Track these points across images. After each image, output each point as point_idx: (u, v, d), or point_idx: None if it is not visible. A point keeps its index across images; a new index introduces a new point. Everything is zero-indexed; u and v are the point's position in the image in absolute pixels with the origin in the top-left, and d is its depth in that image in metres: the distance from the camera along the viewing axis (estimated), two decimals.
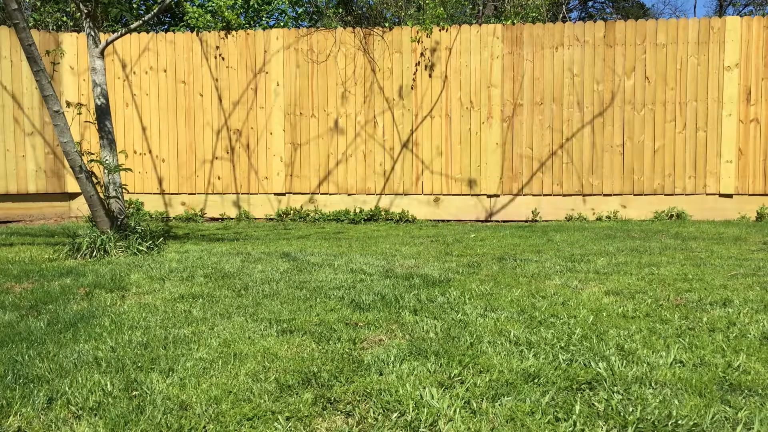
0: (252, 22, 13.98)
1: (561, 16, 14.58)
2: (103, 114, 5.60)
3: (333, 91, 8.76)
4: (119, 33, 5.78)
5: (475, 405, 1.96)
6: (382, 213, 8.65)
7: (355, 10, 15.15)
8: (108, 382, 2.17)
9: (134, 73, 9.02)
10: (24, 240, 6.22)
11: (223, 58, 8.89)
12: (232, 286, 3.74)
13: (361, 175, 8.74)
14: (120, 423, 1.88)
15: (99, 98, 5.61)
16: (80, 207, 8.75)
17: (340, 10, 14.12)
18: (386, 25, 9.68)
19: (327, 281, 3.82)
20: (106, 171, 5.51)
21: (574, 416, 1.87)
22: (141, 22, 5.83)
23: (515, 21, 10.68)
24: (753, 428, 1.80)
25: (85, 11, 5.58)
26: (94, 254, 4.92)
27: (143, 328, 2.87)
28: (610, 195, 8.33)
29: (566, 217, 8.42)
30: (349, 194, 8.78)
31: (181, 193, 9.02)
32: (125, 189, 5.78)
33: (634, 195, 8.30)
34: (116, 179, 5.53)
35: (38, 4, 12.72)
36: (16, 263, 4.64)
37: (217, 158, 8.94)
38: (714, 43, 8.10)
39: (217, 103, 8.92)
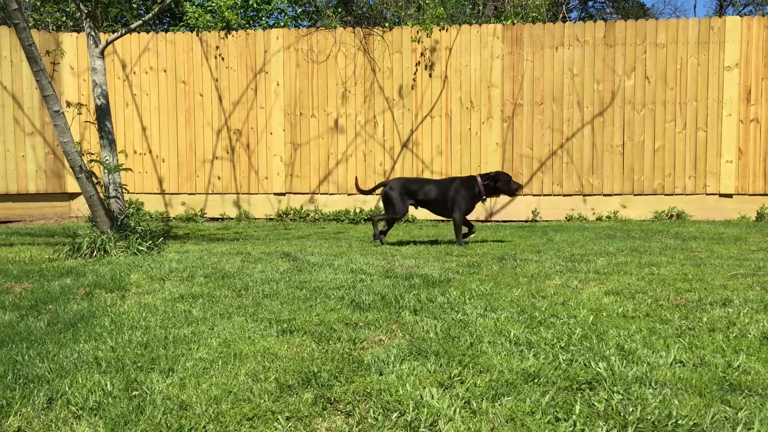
0: (251, 22, 13.98)
1: (561, 16, 14.58)
2: (103, 114, 5.60)
3: (333, 91, 8.76)
4: (119, 33, 5.78)
5: (475, 405, 1.96)
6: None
7: (355, 10, 15.15)
8: (108, 382, 2.17)
9: (134, 73, 9.02)
10: (24, 240, 6.22)
11: (223, 58, 8.89)
12: (232, 286, 3.74)
13: (361, 175, 8.74)
14: (120, 423, 1.88)
15: (99, 98, 5.61)
16: (80, 207, 8.75)
17: (340, 10, 14.12)
18: (386, 25, 9.68)
19: (327, 281, 3.82)
20: (106, 171, 5.50)
21: (574, 416, 1.86)
22: (141, 22, 5.83)
23: (515, 21, 10.68)
24: (753, 428, 1.80)
25: (85, 11, 5.58)
26: (94, 254, 4.91)
27: (143, 328, 2.86)
28: (610, 195, 8.33)
29: (566, 217, 8.42)
30: (349, 194, 8.78)
31: (181, 193, 9.02)
32: (125, 189, 5.78)
33: (634, 195, 8.30)
34: (116, 179, 5.53)
35: (38, 4, 12.72)
36: (17, 263, 4.64)
37: (217, 158, 8.94)
38: (714, 43, 8.10)
39: (217, 103, 8.92)
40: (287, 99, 8.80)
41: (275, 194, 8.90)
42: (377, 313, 3.03)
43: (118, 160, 5.65)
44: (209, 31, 9.00)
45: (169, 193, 9.04)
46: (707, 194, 8.19)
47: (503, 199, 8.53)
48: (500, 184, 5.54)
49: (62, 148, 5.06)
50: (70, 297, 3.52)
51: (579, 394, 2.02)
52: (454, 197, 5.54)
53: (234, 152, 8.92)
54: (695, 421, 1.83)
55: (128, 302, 3.41)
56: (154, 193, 9.05)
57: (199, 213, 8.93)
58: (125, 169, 5.62)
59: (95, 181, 5.20)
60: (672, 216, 8.16)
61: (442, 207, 5.64)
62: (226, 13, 9.33)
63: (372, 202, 8.72)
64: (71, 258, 4.90)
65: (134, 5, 14.60)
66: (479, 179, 5.55)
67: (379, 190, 5.92)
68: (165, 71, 8.97)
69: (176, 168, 9.01)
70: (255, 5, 13.90)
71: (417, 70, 8.63)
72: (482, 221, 8.53)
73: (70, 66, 8.96)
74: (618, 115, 8.31)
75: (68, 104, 5.84)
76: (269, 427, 1.85)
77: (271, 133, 8.84)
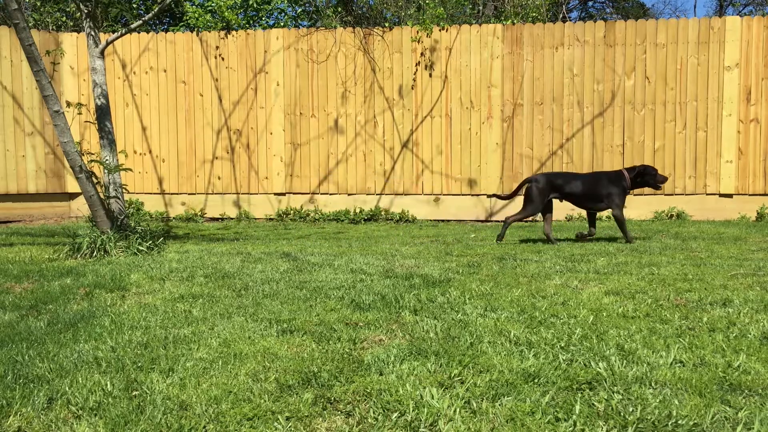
0: (251, 22, 13.98)
1: (561, 16, 14.58)
2: (103, 114, 5.59)
3: (333, 91, 8.76)
4: (119, 33, 5.78)
5: (475, 405, 1.96)
6: (382, 213, 8.65)
7: (355, 10, 15.15)
8: (108, 382, 2.17)
9: (134, 73, 9.02)
10: (24, 240, 6.22)
11: (222, 58, 8.89)
12: (232, 286, 3.74)
13: (361, 175, 8.74)
14: (120, 423, 1.88)
15: (99, 98, 5.61)
16: (80, 207, 8.75)
17: (340, 10, 14.12)
18: (386, 25, 9.69)
19: (327, 281, 3.82)
20: (106, 171, 5.50)
21: (574, 416, 1.87)
22: (141, 22, 5.83)
23: (515, 21, 10.68)
24: (753, 428, 1.80)
25: (85, 11, 5.58)
26: (94, 254, 4.91)
27: (143, 328, 2.86)
28: None
29: (566, 217, 8.42)
30: (349, 194, 8.78)
31: (181, 193, 9.02)
32: (125, 189, 5.78)
33: (635, 195, 8.30)
34: (116, 179, 5.52)
35: (38, 4, 12.72)
36: (16, 263, 4.64)
37: (217, 158, 8.95)
38: (714, 43, 8.10)
39: (217, 103, 8.92)
40: (287, 99, 8.80)
41: (275, 194, 8.90)
42: (377, 313, 3.03)
43: (118, 160, 5.64)
44: (209, 31, 9.00)
45: (169, 193, 9.04)
46: (707, 194, 8.19)
47: None
48: (648, 177, 5.64)
49: (62, 148, 5.05)
50: (70, 297, 3.52)
51: (579, 394, 2.02)
52: (608, 192, 5.63)
53: (234, 152, 8.92)
54: (695, 421, 1.83)
55: (128, 302, 3.41)
56: (154, 193, 9.05)
57: (199, 213, 8.93)
58: (125, 169, 5.62)
59: (95, 181, 5.20)
60: (672, 216, 8.16)
61: (589, 201, 5.74)
62: (226, 13, 9.34)
63: (372, 203, 8.72)
64: (71, 258, 4.90)
65: (134, 5, 14.61)
66: (626, 173, 5.66)
67: (523, 189, 5.97)
68: (165, 71, 8.97)
69: (176, 168, 9.01)
70: (255, 5, 13.90)
71: (417, 70, 8.63)
72: (482, 221, 8.53)
73: (70, 66, 8.96)
74: (618, 115, 8.31)
75: (68, 104, 5.84)
76: (269, 427, 1.85)
77: (271, 133, 8.84)
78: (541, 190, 5.69)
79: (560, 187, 5.70)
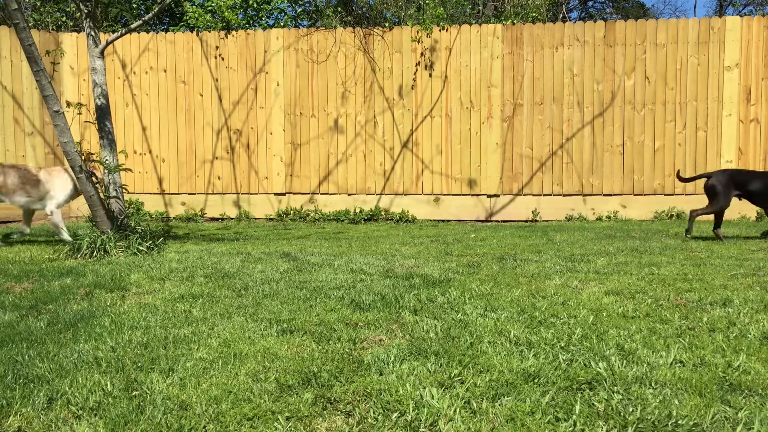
0: (252, 22, 13.98)
1: (561, 16, 14.58)
2: (103, 114, 5.59)
3: (333, 91, 8.76)
4: (119, 33, 5.78)
5: (475, 405, 1.96)
6: (382, 213, 8.65)
7: (355, 10, 15.15)
8: (108, 382, 2.17)
9: (134, 73, 9.02)
10: (24, 240, 6.22)
11: (222, 58, 8.89)
12: (232, 286, 3.74)
13: (361, 175, 8.74)
14: (120, 423, 1.88)
15: (99, 98, 5.61)
16: (80, 207, 8.74)
17: (340, 10, 14.13)
18: (386, 25, 9.69)
19: (327, 281, 3.82)
20: (106, 171, 5.50)
21: (574, 416, 1.87)
22: (141, 22, 5.83)
23: (515, 21, 10.68)
24: (753, 428, 1.80)
25: (85, 11, 5.58)
26: (94, 254, 4.91)
27: (143, 328, 2.86)
28: (610, 195, 8.33)
29: (566, 217, 8.42)
30: (349, 194, 8.78)
31: (181, 193, 9.02)
32: (125, 189, 5.78)
33: (634, 195, 8.30)
34: (116, 179, 5.52)
35: (38, 4, 12.72)
36: (16, 263, 4.64)
37: (217, 158, 8.94)
38: (714, 43, 8.10)
39: (217, 103, 8.92)
40: (287, 99, 8.80)
41: (275, 194, 8.90)
42: (377, 313, 3.03)
43: (118, 160, 5.65)
44: (209, 31, 9.00)
45: (169, 193, 9.04)
46: None
47: (503, 199, 8.53)
48: None
49: (62, 148, 5.05)
50: (70, 297, 3.52)
51: (579, 394, 2.02)
52: None
53: (234, 152, 8.92)
54: (695, 421, 1.83)
55: (128, 302, 3.41)
56: (154, 193, 9.05)
57: (199, 213, 8.93)
58: (125, 169, 5.62)
59: (95, 181, 5.20)
60: (672, 216, 8.15)
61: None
62: (226, 13, 9.34)
63: (372, 203, 8.72)
64: (71, 258, 4.90)
65: (134, 5, 14.61)
66: None
67: (700, 181, 6.07)
68: (165, 71, 8.97)
69: (176, 168, 9.01)
70: (255, 5, 13.90)
71: (417, 70, 8.63)
72: (482, 221, 8.53)
73: (70, 66, 8.96)
74: (618, 115, 8.31)
75: (68, 104, 5.84)
76: (269, 427, 1.85)
77: (271, 133, 8.84)
78: (722, 188, 5.70)
79: (741, 185, 5.67)
